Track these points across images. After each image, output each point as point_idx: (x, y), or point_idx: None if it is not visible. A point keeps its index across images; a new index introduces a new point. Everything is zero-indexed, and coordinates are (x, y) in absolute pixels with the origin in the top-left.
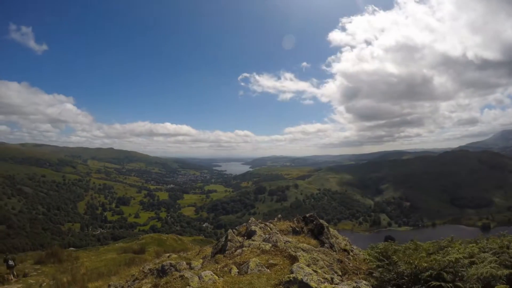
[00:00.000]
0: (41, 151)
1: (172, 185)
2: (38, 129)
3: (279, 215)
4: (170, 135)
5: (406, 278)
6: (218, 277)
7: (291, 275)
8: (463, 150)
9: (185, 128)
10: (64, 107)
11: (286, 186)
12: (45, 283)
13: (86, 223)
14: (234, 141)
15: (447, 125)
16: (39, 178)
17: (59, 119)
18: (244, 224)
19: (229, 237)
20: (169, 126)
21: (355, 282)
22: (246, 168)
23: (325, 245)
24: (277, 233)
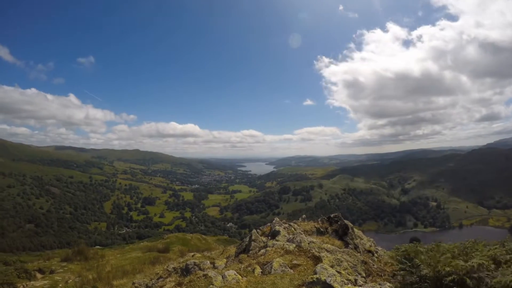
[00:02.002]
0: (68, 153)
1: (197, 186)
2: (54, 132)
3: (304, 215)
4: (179, 135)
5: (428, 282)
6: (242, 276)
7: (315, 276)
8: (490, 148)
9: (192, 128)
10: (73, 110)
11: (310, 186)
12: (71, 280)
13: (112, 222)
14: (246, 141)
15: (465, 121)
16: (66, 179)
17: (71, 122)
18: (268, 224)
19: (253, 237)
20: (177, 126)
21: (379, 284)
22: (271, 168)
23: (350, 246)
24: (301, 234)
